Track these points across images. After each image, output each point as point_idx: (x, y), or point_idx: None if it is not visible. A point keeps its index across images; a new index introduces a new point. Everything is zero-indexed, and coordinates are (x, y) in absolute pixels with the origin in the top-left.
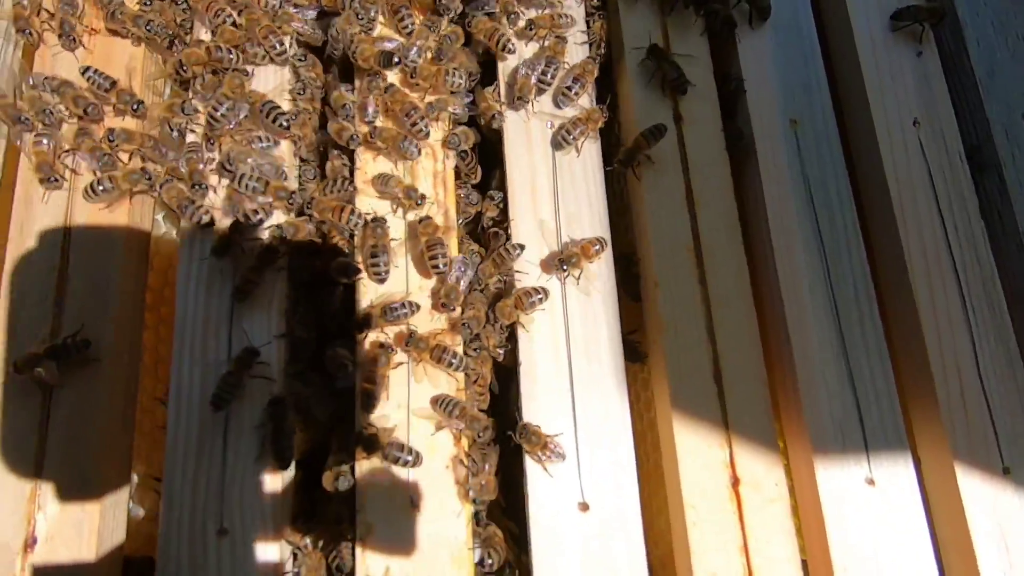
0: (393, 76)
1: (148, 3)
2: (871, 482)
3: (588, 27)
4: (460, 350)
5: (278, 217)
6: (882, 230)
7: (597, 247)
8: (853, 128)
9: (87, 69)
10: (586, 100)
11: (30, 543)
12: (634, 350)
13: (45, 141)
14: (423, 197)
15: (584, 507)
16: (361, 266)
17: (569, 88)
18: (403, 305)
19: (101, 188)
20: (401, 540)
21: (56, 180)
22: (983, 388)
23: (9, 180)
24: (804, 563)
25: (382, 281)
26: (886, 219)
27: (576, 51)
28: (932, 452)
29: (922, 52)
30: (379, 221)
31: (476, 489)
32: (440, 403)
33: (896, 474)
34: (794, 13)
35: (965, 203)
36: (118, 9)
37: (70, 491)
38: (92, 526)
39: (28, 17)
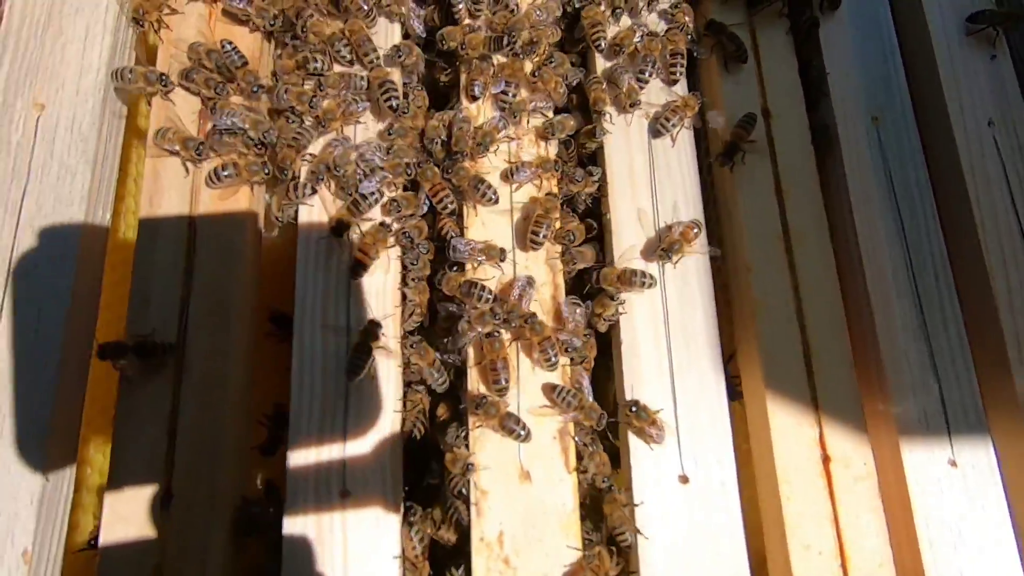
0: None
1: None
2: (953, 464)
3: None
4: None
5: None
6: (960, 223)
7: (696, 230)
8: (930, 125)
9: (225, 43)
10: (681, 87)
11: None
12: (731, 387)
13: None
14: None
15: (684, 479)
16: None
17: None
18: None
19: (225, 174)
20: (514, 506)
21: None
22: None
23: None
24: None
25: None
26: (964, 213)
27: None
28: (1008, 437)
29: (996, 55)
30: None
31: (595, 467)
32: (556, 392)
33: (977, 456)
34: (874, 12)
35: None
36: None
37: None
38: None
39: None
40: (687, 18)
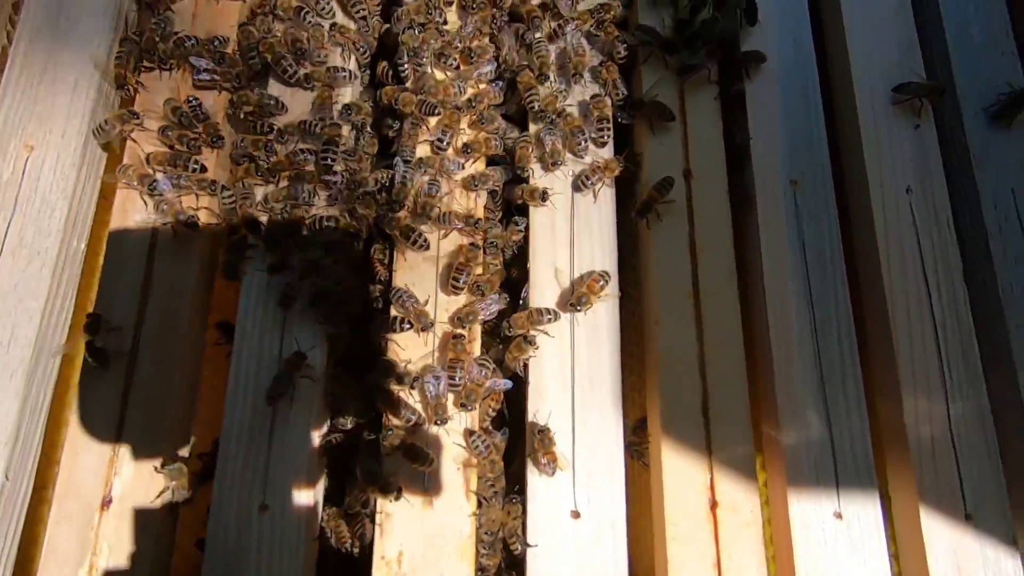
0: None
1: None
2: (839, 516)
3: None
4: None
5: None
6: (870, 287)
7: (601, 282)
8: (851, 188)
9: (191, 98)
10: (607, 151)
11: (106, 502)
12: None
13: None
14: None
15: (576, 515)
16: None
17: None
18: None
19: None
20: (415, 529)
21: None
22: (952, 440)
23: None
24: None
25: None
26: (874, 277)
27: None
28: (901, 494)
29: (920, 125)
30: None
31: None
32: (471, 437)
33: (864, 510)
34: (803, 78)
35: (950, 268)
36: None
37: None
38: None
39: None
40: (613, 76)
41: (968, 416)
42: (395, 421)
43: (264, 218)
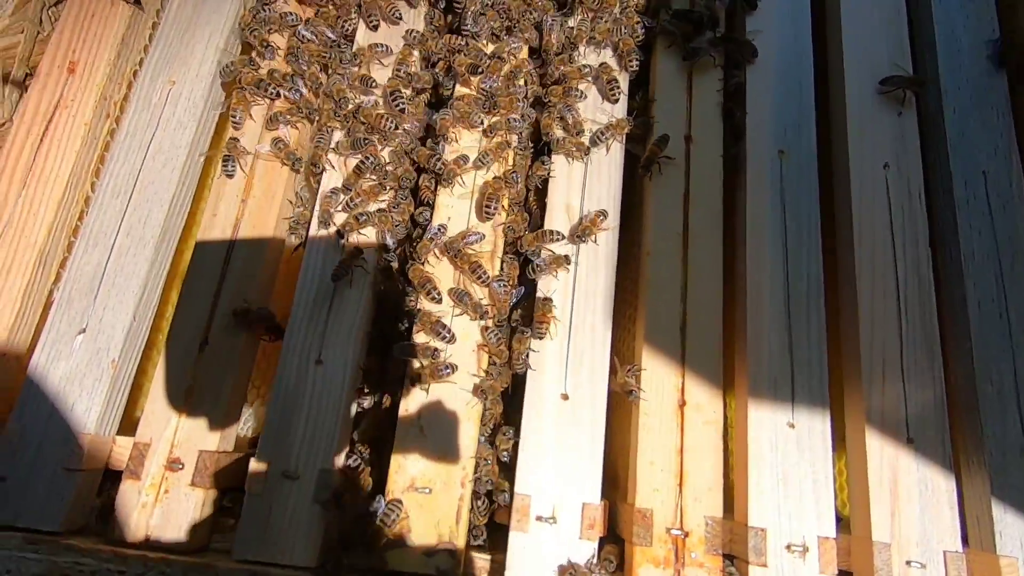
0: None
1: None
2: (792, 425)
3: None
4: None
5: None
6: (844, 246)
7: (603, 217)
8: (835, 161)
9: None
10: (619, 109)
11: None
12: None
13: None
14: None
15: (565, 397)
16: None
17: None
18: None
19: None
20: (434, 392)
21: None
22: (902, 372)
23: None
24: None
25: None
26: (847, 237)
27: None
28: (852, 415)
29: (902, 112)
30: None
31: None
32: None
33: (813, 423)
34: (799, 68)
35: (917, 234)
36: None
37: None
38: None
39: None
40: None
41: (919, 354)
42: (428, 306)
43: (334, 158)
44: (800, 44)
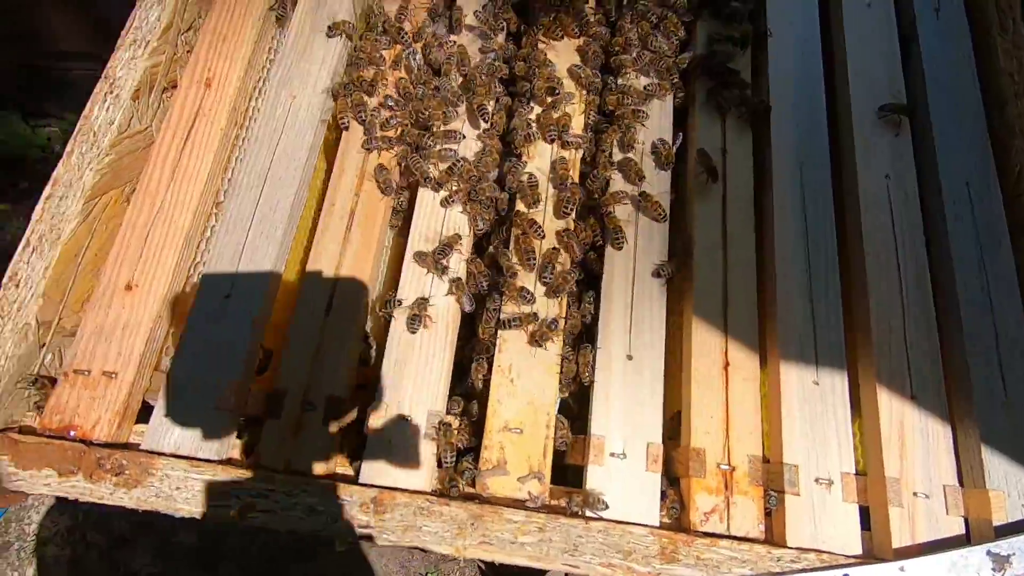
0: None
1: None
2: (816, 383)
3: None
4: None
5: None
6: (854, 240)
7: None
8: (844, 173)
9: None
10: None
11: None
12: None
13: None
14: None
15: (629, 357)
16: None
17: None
18: None
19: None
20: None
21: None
22: (905, 340)
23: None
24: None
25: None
26: (856, 232)
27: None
28: (865, 374)
29: (899, 133)
30: None
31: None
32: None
33: (834, 381)
34: (813, 95)
35: (913, 229)
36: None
37: None
38: None
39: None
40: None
41: (918, 327)
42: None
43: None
44: (812, 77)
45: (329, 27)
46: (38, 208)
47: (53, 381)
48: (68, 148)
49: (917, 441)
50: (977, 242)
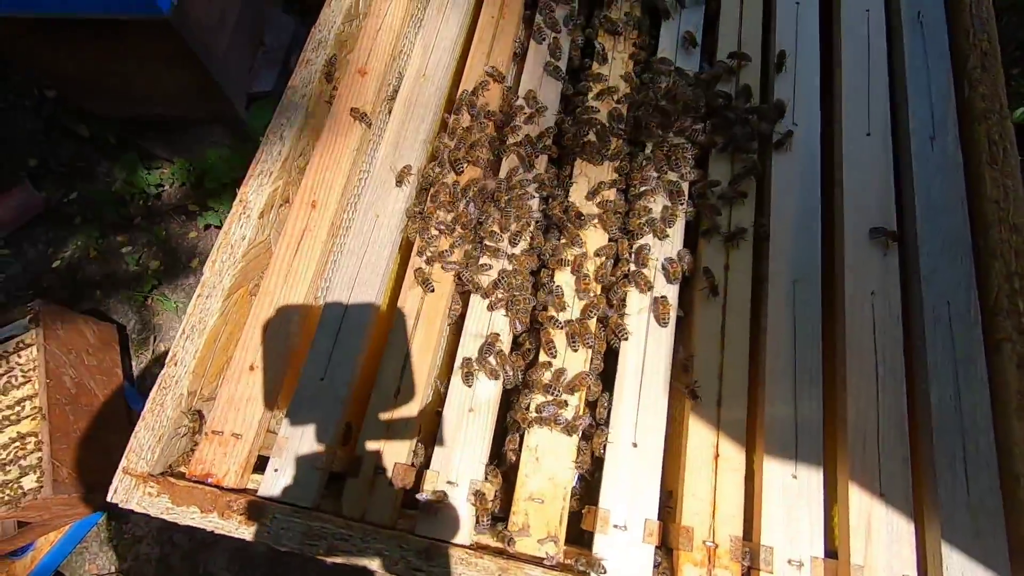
0: None
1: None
2: (795, 476)
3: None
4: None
5: None
6: (839, 351)
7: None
8: (835, 287)
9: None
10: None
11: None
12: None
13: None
14: None
15: (635, 445)
16: None
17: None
18: None
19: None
20: (547, 436)
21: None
22: (878, 445)
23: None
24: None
25: None
26: (841, 344)
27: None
28: (841, 469)
29: (887, 253)
30: None
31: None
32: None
33: (811, 475)
34: (810, 224)
35: (894, 345)
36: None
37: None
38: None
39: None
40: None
41: (892, 430)
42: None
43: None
44: (811, 210)
45: (397, 175)
46: (191, 304)
47: (201, 418)
48: (212, 258)
49: (882, 533)
50: (953, 359)
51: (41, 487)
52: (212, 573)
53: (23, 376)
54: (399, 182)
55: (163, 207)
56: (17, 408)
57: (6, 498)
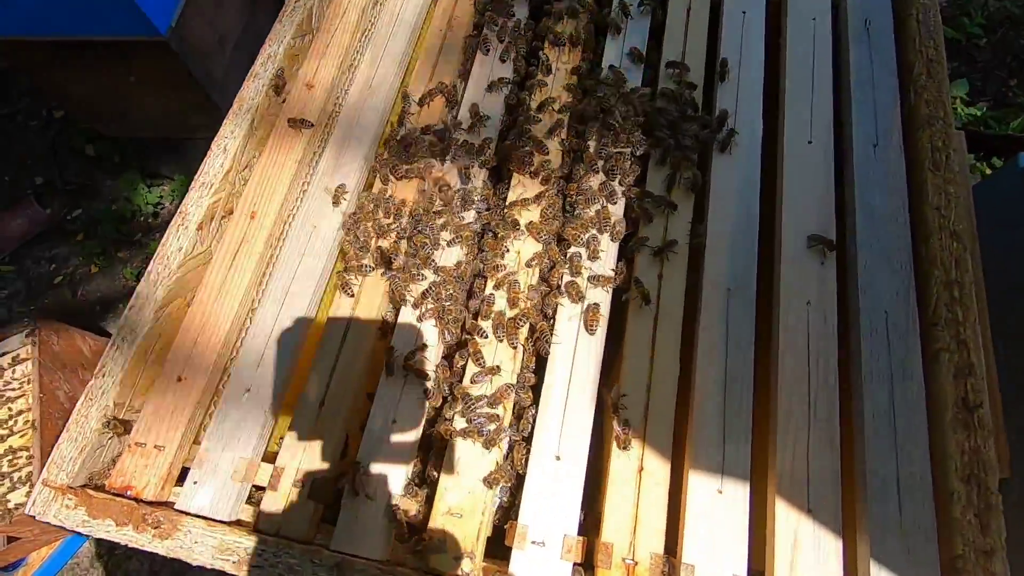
0: None
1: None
2: (720, 492)
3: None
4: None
5: None
6: (771, 362)
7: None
8: (770, 297)
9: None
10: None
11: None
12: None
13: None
14: None
15: (558, 458)
16: None
17: None
18: None
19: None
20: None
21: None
22: (807, 460)
23: None
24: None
25: None
26: (774, 355)
27: None
28: (768, 484)
29: (824, 262)
30: None
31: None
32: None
33: (736, 490)
34: (747, 234)
35: (828, 355)
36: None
37: None
38: None
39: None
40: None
41: (822, 446)
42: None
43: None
44: (749, 212)
45: (334, 194)
46: (123, 316)
47: (126, 426)
48: (149, 268)
49: (808, 551)
50: (889, 370)
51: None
52: None
53: (17, 390)
54: (335, 202)
55: (163, 224)
56: (10, 423)
57: None
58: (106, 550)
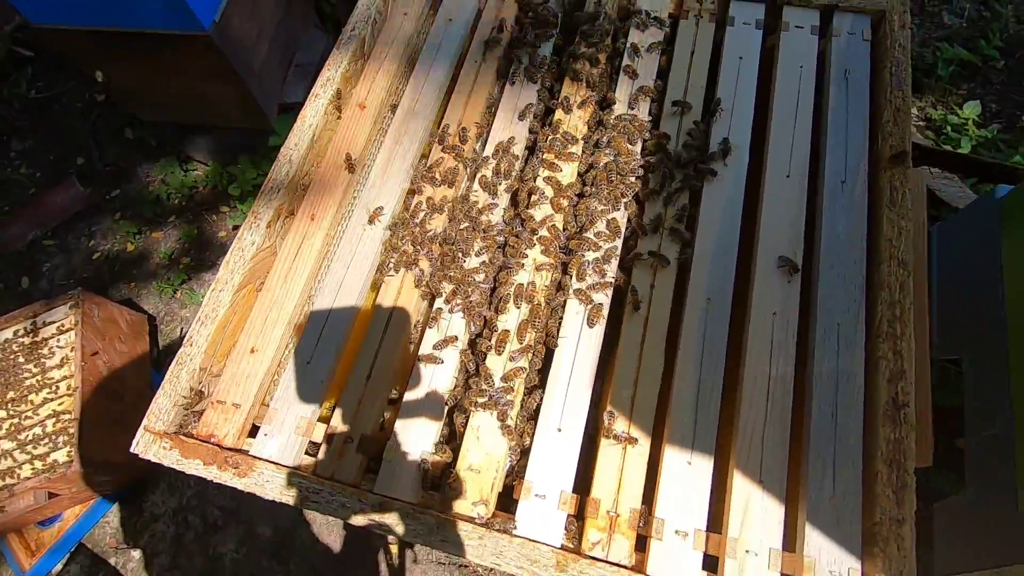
0: None
1: None
2: (689, 463)
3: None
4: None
5: None
6: (739, 359)
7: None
8: (745, 308)
9: None
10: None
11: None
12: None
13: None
14: None
15: (559, 430)
16: None
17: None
18: None
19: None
20: (488, 418)
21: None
22: (763, 441)
23: None
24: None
25: None
26: (742, 354)
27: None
28: (731, 465)
29: (791, 280)
30: None
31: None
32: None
33: (703, 460)
34: (727, 251)
35: (786, 360)
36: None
37: None
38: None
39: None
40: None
41: (775, 430)
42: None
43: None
44: (731, 233)
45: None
46: (207, 296)
47: (201, 395)
48: (227, 258)
49: (757, 513)
50: (836, 375)
51: (71, 461)
52: (221, 554)
53: (60, 358)
54: (371, 220)
55: (196, 207)
56: (54, 388)
57: (40, 469)
58: (134, 512)
